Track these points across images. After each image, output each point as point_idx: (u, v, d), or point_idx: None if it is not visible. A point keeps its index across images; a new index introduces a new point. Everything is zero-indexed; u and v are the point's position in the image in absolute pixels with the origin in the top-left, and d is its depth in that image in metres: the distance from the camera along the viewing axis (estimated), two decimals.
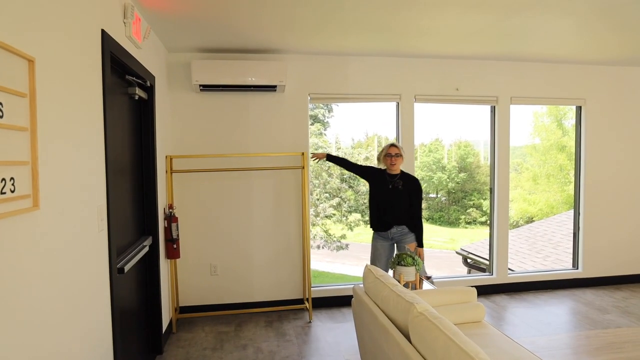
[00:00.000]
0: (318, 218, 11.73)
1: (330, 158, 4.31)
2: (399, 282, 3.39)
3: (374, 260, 4.11)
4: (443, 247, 17.30)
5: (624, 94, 5.43)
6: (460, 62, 4.90)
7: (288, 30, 3.74)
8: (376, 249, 4.10)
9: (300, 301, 4.76)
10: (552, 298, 5.09)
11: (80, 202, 2.05)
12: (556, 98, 5.25)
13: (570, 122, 16.95)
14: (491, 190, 5.22)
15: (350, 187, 11.80)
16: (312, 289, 4.77)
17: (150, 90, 3.56)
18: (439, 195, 19.32)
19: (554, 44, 4.26)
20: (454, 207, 19.28)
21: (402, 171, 4.07)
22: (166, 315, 4.02)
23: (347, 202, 11.81)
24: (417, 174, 4.66)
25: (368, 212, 4.27)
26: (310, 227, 11.58)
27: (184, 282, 4.53)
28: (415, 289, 3.43)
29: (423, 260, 3.97)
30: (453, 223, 20.11)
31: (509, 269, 5.43)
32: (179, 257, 4.18)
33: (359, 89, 4.74)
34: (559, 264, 7.34)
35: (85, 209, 2.10)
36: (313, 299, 4.75)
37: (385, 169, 4.08)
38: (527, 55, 4.76)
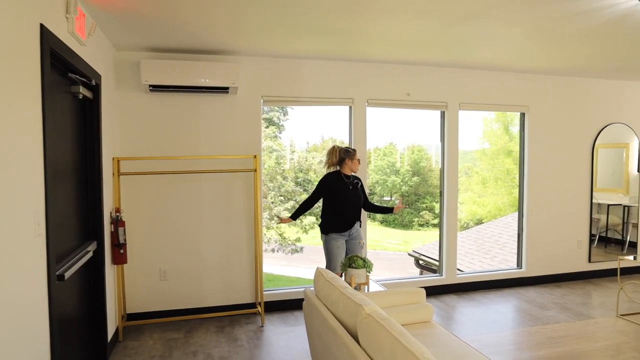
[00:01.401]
0: (273, 221, 11.67)
1: (294, 216, 4.33)
2: (350, 284, 3.42)
3: (335, 261, 4.17)
4: (397, 249, 17.62)
5: (564, 102, 5.73)
6: (412, 68, 5.02)
7: (241, 32, 3.71)
8: (337, 249, 4.18)
9: (252, 305, 4.71)
10: (498, 297, 5.28)
11: (14, 205, 1.95)
12: (502, 105, 5.47)
13: (516, 128, 17.71)
14: (441, 194, 5.37)
15: (305, 190, 11.82)
16: (264, 292, 4.73)
17: (96, 90, 3.43)
18: (392, 198, 19.67)
19: (500, 52, 4.44)
20: (407, 210, 19.66)
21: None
22: (112, 323, 3.88)
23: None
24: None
25: (321, 218, 4.33)
26: (265, 230, 11.48)
27: (131, 288, 4.38)
28: (367, 291, 3.47)
29: (402, 205, 4.45)
30: (407, 225, 20.52)
31: (458, 269, 5.60)
32: (126, 262, 4.04)
33: (312, 92, 4.76)
34: (505, 264, 7.64)
35: (19, 213, 1.99)
36: (266, 302, 4.71)
37: (339, 172, 4.27)
38: (475, 63, 4.94)
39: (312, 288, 3.01)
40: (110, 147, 3.91)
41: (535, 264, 5.74)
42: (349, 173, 4.27)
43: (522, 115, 5.65)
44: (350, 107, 4.92)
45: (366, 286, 3.46)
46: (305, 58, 4.67)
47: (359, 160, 4.30)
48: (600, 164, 6.22)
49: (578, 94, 5.81)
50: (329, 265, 4.21)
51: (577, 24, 3.46)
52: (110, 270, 3.87)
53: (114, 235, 3.88)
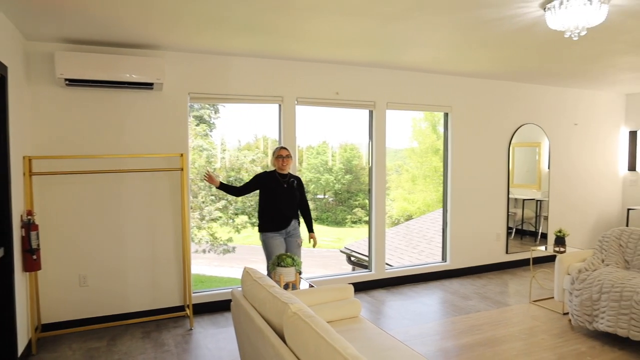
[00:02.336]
0: (204, 222, 11.38)
1: (222, 187, 4.26)
2: (279, 283, 3.41)
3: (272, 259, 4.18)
4: (330, 246, 17.84)
5: (483, 103, 6.07)
6: (341, 67, 5.09)
7: (167, 26, 3.57)
8: (276, 247, 4.23)
9: (181, 308, 4.57)
10: (424, 289, 5.50)
11: None
12: (427, 105, 5.69)
13: (442, 127, 18.57)
14: (370, 191, 5.49)
15: None
16: (193, 294, 4.61)
17: (1, 82, 3.16)
18: (326, 196, 19.91)
19: (425, 55, 4.61)
20: (340, 208, 19.97)
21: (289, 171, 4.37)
22: (23, 336, 3.60)
23: (234, 204, 11.63)
24: (305, 175, 4.80)
25: (258, 217, 4.34)
26: (196, 230, 11.16)
27: (47, 296, 4.09)
28: (295, 289, 3.48)
29: (316, 242, 4.47)
30: (340, 223, 20.82)
31: (387, 264, 5.76)
32: (39, 268, 3.77)
33: (241, 89, 4.69)
34: (432, 258, 7.96)
35: None
36: (195, 304, 4.59)
37: (274, 171, 4.31)
38: (402, 64, 5.09)
39: (240, 288, 2.97)
40: (20, 145, 3.62)
41: (458, 257, 6.04)
42: (280, 172, 4.29)
43: (446, 115, 5.91)
44: (280, 105, 4.90)
45: (295, 284, 3.46)
46: (235, 55, 4.60)
47: (284, 158, 4.23)
48: (517, 162, 6.65)
49: (496, 96, 6.18)
50: (269, 264, 4.19)
51: (491, 31, 3.67)
52: (21, 278, 3.59)
53: (26, 240, 3.60)
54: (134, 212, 4.36)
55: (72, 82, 3.91)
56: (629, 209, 7.31)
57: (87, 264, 4.23)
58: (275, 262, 3.46)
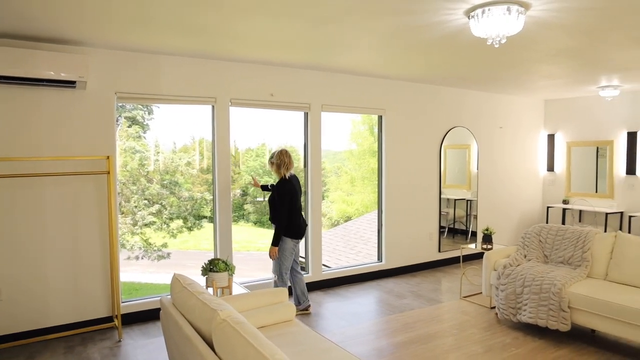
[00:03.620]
0: (136, 227, 10.91)
1: (264, 188, 4.82)
2: (212, 288, 3.32)
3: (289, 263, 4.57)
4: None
5: (415, 106, 6.26)
6: (275, 69, 5.06)
7: (90, 21, 3.36)
8: (292, 252, 4.55)
9: (108, 319, 4.33)
10: (360, 290, 5.57)
11: None
12: (361, 107, 5.78)
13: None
14: (305, 193, 5.49)
15: (172, 193, 11.27)
16: (122, 304, 4.38)
17: None
18: (266, 199, 19.84)
19: (358, 58, 4.67)
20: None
21: (282, 177, 4.48)
22: None
23: (169, 208, 11.24)
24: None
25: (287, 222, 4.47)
26: (130, 236, 10.67)
27: None
28: (230, 294, 3.40)
29: (272, 258, 4.48)
30: None
31: (325, 265, 5.78)
32: None
33: (173, 90, 4.53)
34: (369, 258, 8.09)
35: None
36: (125, 314, 4.37)
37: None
38: (336, 67, 5.14)
39: (169, 296, 2.85)
40: None
41: (393, 256, 6.18)
42: (277, 177, 4.53)
43: (380, 117, 6.04)
44: (213, 107, 4.79)
45: (229, 289, 3.38)
46: (166, 54, 4.43)
47: (272, 164, 4.50)
48: (448, 163, 6.92)
49: (428, 99, 6.39)
50: None
51: (420, 36, 3.78)
52: None
53: None
54: (56, 219, 4.08)
55: None
56: (548, 207, 7.82)
57: (2, 276, 3.90)
58: (207, 268, 3.37)
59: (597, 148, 7.44)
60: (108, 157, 4.11)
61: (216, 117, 4.78)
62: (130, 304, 4.47)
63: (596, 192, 7.44)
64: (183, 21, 3.40)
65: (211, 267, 3.33)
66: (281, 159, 4.44)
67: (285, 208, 4.39)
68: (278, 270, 4.49)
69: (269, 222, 4.64)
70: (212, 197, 4.94)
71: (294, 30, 3.65)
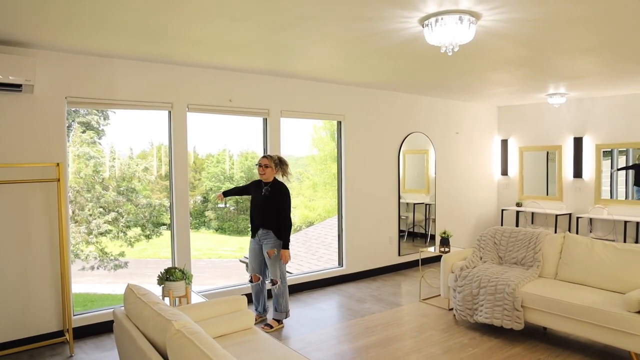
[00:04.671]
0: (91, 236, 10.53)
1: (226, 193, 4.74)
2: (169, 298, 3.24)
3: (250, 264, 4.61)
4: (232, 256, 17.49)
5: (374, 112, 6.35)
6: (234, 74, 5.01)
7: (38, 22, 3.23)
8: (250, 251, 4.57)
9: (59, 333, 4.14)
10: (322, 295, 5.57)
11: None
12: (321, 113, 5.81)
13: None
14: None
15: (129, 200, 10.95)
16: (74, 317, 4.21)
17: None
18: (227, 205, 19.53)
19: (317, 63, 4.70)
20: (242, 216, 19.69)
21: (275, 180, 4.45)
22: None
23: (126, 216, 10.91)
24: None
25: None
26: (85, 246, 10.28)
27: None
28: (187, 303, 3.33)
29: (285, 261, 4.41)
30: (242, 232, 20.51)
31: (287, 272, 5.74)
32: None
33: (127, 95, 4.41)
34: (331, 263, 8.11)
35: None
36: (77, 328, 4.19)
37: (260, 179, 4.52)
38: (296, 72, 5.14)
39: (123, 307, 2.76)
40: None
41: (354, 261, 6.22)
42: (264, 180, 4.45)
43: (339, 123, 6.09)
44: (170, 112, 4.69)
45: (186, 299, 3.31)
46: (120, 57, 4.31)
47: (261, 167, 4.40)
48: (407, 168, 7.05)
49: (386, 105, 6.50)
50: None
51: (377, 43, 3.84)
52: None
53: None
54: (2, 229, 3.88)
55: None
56: (503, 210, 8.09)
57: None
58: (163, 277, 3.28)
59: (547, 152, 7.76)
60: (58, 164, 3.95)
61: (173, 122, 4.69)
62: (83, 317, 4.30)
63: (547, 194, 7.75)
64: (139, 25, 3.32)
65: (167, 276, 3.24)
66: (282, 162, 4.50)
67: (290, 210, 4.45)
68: (279, 274, 4.44)
69: (252, 226, 4.53)
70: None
71: (252, 35, 3.63)
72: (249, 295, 4.76)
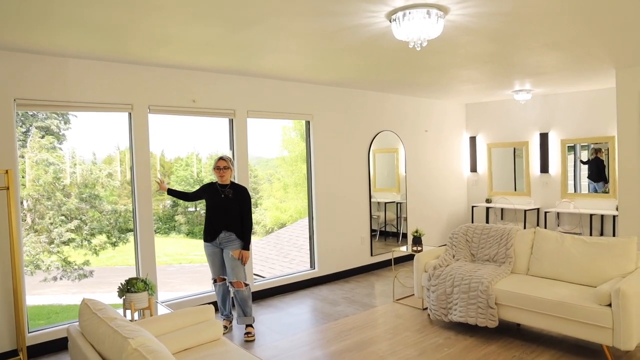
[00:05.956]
0: (53, 245, 10.08)
1: (170, 192, 4.44)
2: (130, 310, 3.05)
3: (211, 268, 4.48)
4: (203, 260, 17.16)
5: (343, 111, 6.26)
6: (197, 74, 4.83)
7: None
8: (209, 256, 4.42)
9: (13, 353, 3.87)
10: (294, 299, 5.44)
11: None
12: (288, 113, 5.68)
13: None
14: None
15: (92, 207, 10.54)
16: (29, 335, 3.95)
17: None
18: (197, 209, 19.15)
19: (283, 62, 4.56)
20: None
21: (232, 182, 4.34)
22: None
23: (89, 223, 10.49)
24: (176, 188, 4.48)
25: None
26: (46, 255, 9.82)
27: None
28: (151, 315, 3.14)
29: (244, 262, 4.26)
30: None
31: (258, 275, 5.60)
32: None
33: (82, 96, 4.17)
34: (304, 265, 7.99)
35: None
36: (32, 346, 3.93)
37: (216, 182, 4.34)
38: (262, 72, 4.99)
39: (77, 324, 2.56)
40: None
41: (326, 263, 6.11)
42: (222, 182, 4.30)
43: (308, 123, 5.97)
44: (130, 114, 4.47)
45: (149, 311, 3.12)
46: (74, 57, 4.08)
47: (221, 170, 4.24)
48: (378, 167, 6.99)
49: (355, 104, 6.42)
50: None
51: (344, 39, 3.73)
52: None
53: None
54: None
55: None
56: (473, 206, 8.14)
57: None
58: (124, 288, 3.09)
59: (514, 149, 7.85)
60: (7, 172, 3.68)
61: (134, 125, 4.47)
62: (38, 334, 4.03)
63: (515, 190, 7.84)
64: (90, 19, 3.11)
65: (128, 288, 3.05)
66: (233, 163, 4.43)
67: (251, 212, 4.37)
68: (244, 275, 4.29)
69: (210, 229, 4.32)
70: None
71: (214, 32, 3.47)
72: (215, 304, 4.59)
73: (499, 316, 3.99)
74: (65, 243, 10.17)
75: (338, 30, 3.47)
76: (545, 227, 7.13)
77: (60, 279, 10.18)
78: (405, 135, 7.21)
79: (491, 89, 6.61)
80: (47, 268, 9.86)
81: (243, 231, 4.27)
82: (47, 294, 10.51)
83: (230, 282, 4.27)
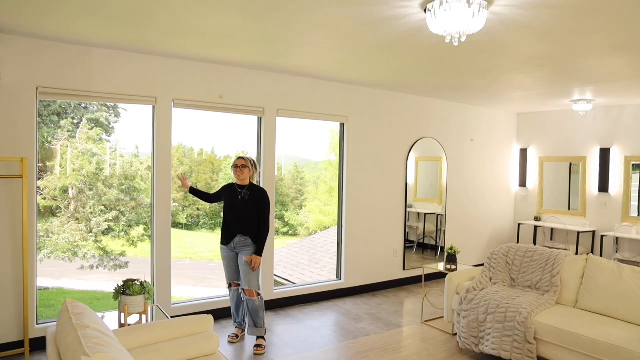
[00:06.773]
0: (91, 234, 10.28)
1: (192, 191, 4.29)
2: (124, 314, 2.85)
3: (225, 272, 4.25)
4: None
5: (379, 114, 5.89)
6: (224, 68, 4.62)
7: (10, 2, 2.89)
8: (224, 259, 4.16)
9: (19, 344, 3.79)
10: (315, 311, 5.13)
11: None
12: (321, 114, 5.38)
13: None
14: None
15: (132, 199, 10.68)
16: (37, 325, 3.86)
17: None
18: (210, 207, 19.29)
19: (313, 57, 4.26)
20: None
21: (251, 183, 4.10)
22: None
23: (127, 214, 10.61)
24: (199, 187, 4.32)
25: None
26: (81, 242, 10.03)
27: None
28: (147, 321, 2.93)
29: (254, 268, 3.94)
30: None
31: (287, 280, 5.33)
32: None
33: (106, 87, 4.06)
34: (335, 274, 7.67)
35: None
36: (40, 338, 3.84)
37: (235, 182, 4.13)
38: (291, 68, 4.72)
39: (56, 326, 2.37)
40: None
41: (354, 274, 5.75)
42: (240, 183, 4.08)
43: (342, 125, 5.65)
44: (154, 107, 4.33)
45: (145, 316, 2.91)
46: (98, 47, 3.97)
47: (239, 168, 4.01)
48: (420, 176, 6.57)
49: (393, 107, 6.03)
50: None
51: (376, 33, 3.38)
52: None
53: None
54: None
55: None
56: (519, 224, 7.52)
57: None
58: (119, 290, 2.89)
59: (570, 164, 7.19)
60: (22, 160, 3.60)
61: (156, 118, 4.32)
62: (46, 326, 3.93)
63: (569, 209, 7.17)
64: (103, 4, 2.95)
65: (124, 290, 2.86)
66: (255, 164, 4.14)
67: (269, 216, 4.10)
68: (257, 284, 4.01)
69: (226, 232, 4.07)
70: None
71: (230, 23, 3.22)
72: (221, 311, 4.36)
73: (538, 353, 3.50)
74: (104, 233, 10.37)
75: (368, 22, 3.13)
76: (601, 253, 6.44)
77: (97, 267, 10.39)
78: (448, 144, 6.74)
79: (546, 97, 6.03)
80: (84, 256, 10.07)
81: (259, 235, 4.01)
82: (90, 280, 10.73)
83: (243, 290, 4.02)
